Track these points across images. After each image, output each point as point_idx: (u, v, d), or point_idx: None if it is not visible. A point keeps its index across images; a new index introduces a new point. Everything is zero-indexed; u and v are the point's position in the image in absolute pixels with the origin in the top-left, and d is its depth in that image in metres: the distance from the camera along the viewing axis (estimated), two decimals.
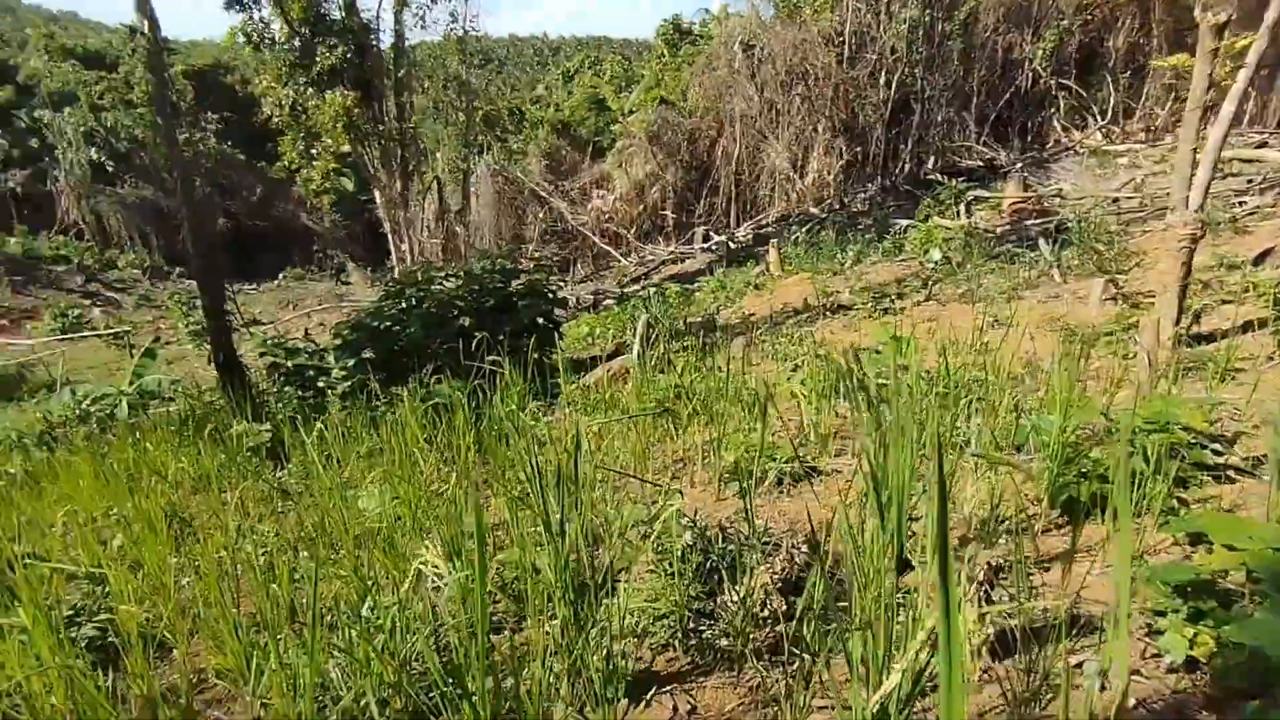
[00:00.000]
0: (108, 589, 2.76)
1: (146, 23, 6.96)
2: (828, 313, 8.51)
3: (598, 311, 14.55)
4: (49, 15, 71.09)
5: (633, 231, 23.42)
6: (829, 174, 19.92)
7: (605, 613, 2.16)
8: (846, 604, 2.10)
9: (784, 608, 2.34)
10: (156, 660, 2.41)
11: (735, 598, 2.34)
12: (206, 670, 2.35)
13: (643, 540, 2.67)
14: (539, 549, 2.34)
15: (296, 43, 17.25)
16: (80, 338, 21.60)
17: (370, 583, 2.36)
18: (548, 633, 2.10)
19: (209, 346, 7.17)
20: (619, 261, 22.03)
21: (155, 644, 2.46)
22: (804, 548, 2.75)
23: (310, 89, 16.57)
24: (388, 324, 6.62)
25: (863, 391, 2.77)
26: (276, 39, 17.51)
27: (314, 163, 18.01)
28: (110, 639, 2.54)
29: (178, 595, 2.69)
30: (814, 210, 19.19)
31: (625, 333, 9.97)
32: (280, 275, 34.85)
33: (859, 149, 20.22)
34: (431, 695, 1.89)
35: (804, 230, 15.83)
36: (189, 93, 37.57)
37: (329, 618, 2.35)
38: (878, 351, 4.93)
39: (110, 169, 35.61)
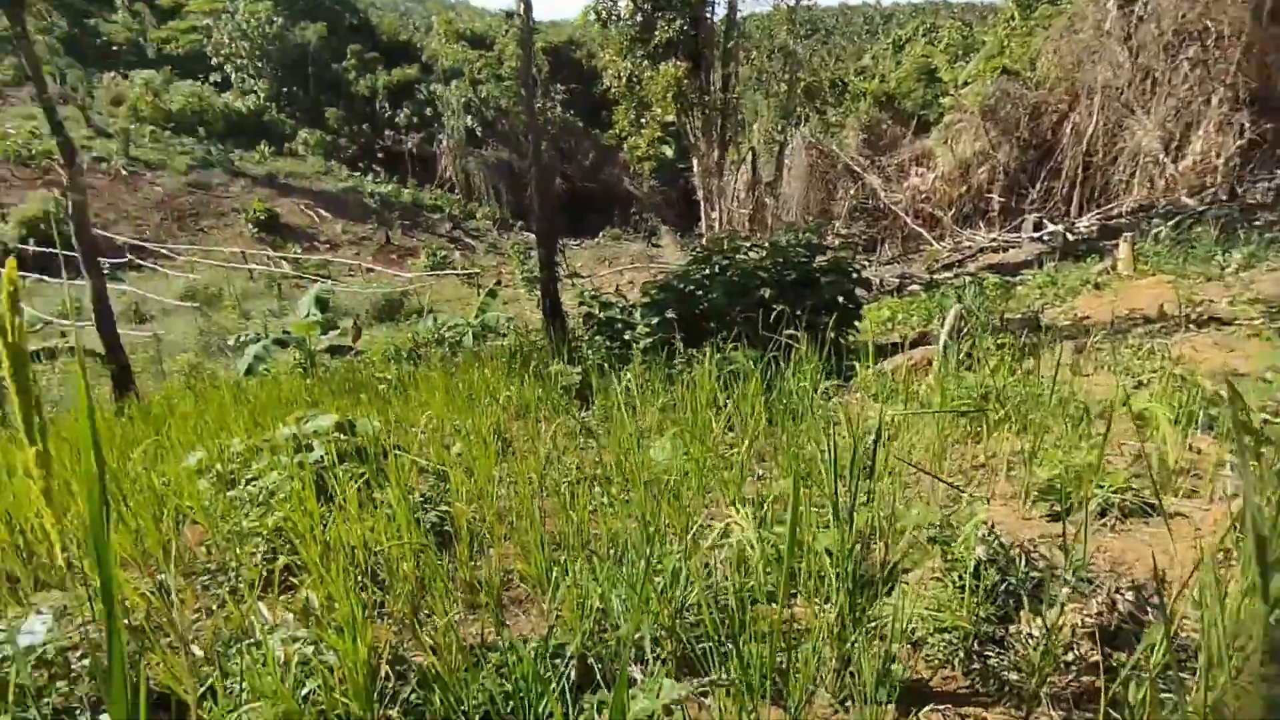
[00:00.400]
0: (448, 486, 3.29)
1: (523, 6, 7.94)
2: (1191, 325, 7.06)
3: (902, 296, 13.73)
4: (448, 4, 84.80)
5: (950, 214, 21.58)
6: (1218, 156, 16.34)
7: (883, 611, 2.05)
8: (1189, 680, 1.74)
9: (1096, 657, 2.02)
10: (476, 553, 2.82)
11: (1036, 630, 2.08)
12: (514, 572, 2.70)
13: (931, 544, 2.47)
14: (820, 530, 2.28)
15: (639, 18, 18.63)
16: (444, 275, 25.89)
17: (653, 529, 2.51)
18: (817, 616, 2.05)
19: (539, 293, 8.12)
20: (930, 245, 20.51)
21: (478, 540, 2.88)
22: (1130, 595, 2.35)
23: (646, 61, 17.85)
24: (692, 288, 6.91)
25: (1242, 427, 2.24)
26: (621, 16, 19.08)
27: (641, 131, 19.38)
28: (446, 527, 3.03)
29: (496, 503, 3.11)
30: (1188, 201, 15.96)
31: (931, 322, 9.28)
32: (600, 234, 38.27)
33: (1269, 126, 16.24)
34: (702, 645, 1.96)
35: (1169, 224, 13.25)
36: (544, 67, 42.48)
37: (615, 552, 2.55)
38: (1266, 380, 3.98)
39: (479, 134, 41.81)
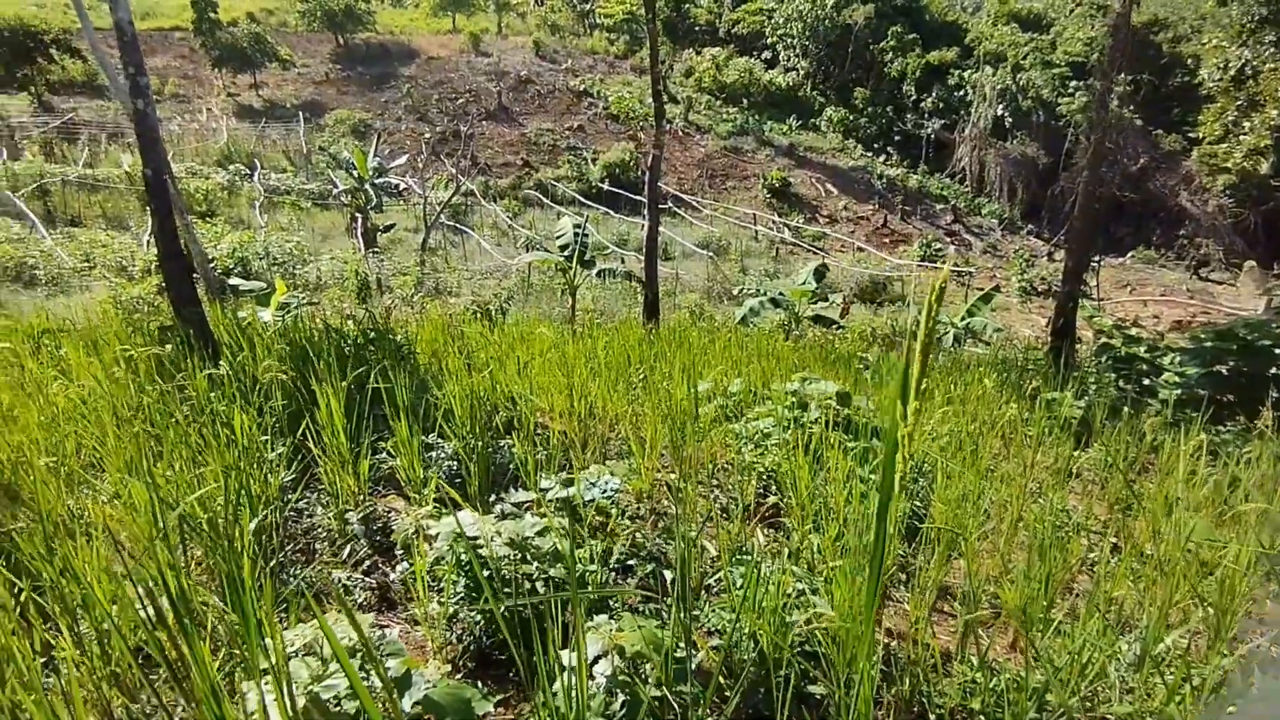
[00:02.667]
0: (932, 486, 3.26)
1: None
2: None
3: None
4: None
5: None
6: None
7: None
8: None
9: None
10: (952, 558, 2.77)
11: None
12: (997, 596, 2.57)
13: None
14: None
15: None
16: (934, 267, 24.94)
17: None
18: None
19: (1052, 311, 7.30)
20: None
21: (957, 550, 2.81)
22: None
23: (1275, 49, 14.01)
24: (1270, 343, 5.46)
25: None
26: None
27: (1240, 138, 15.49)
28: (916, 524, 3.03)
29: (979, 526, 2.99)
30: None
31: None
32: (1129, 254, 32.40)
33: None
34: None
35: None
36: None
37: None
38: None
39: (1008, 124, 38.53)
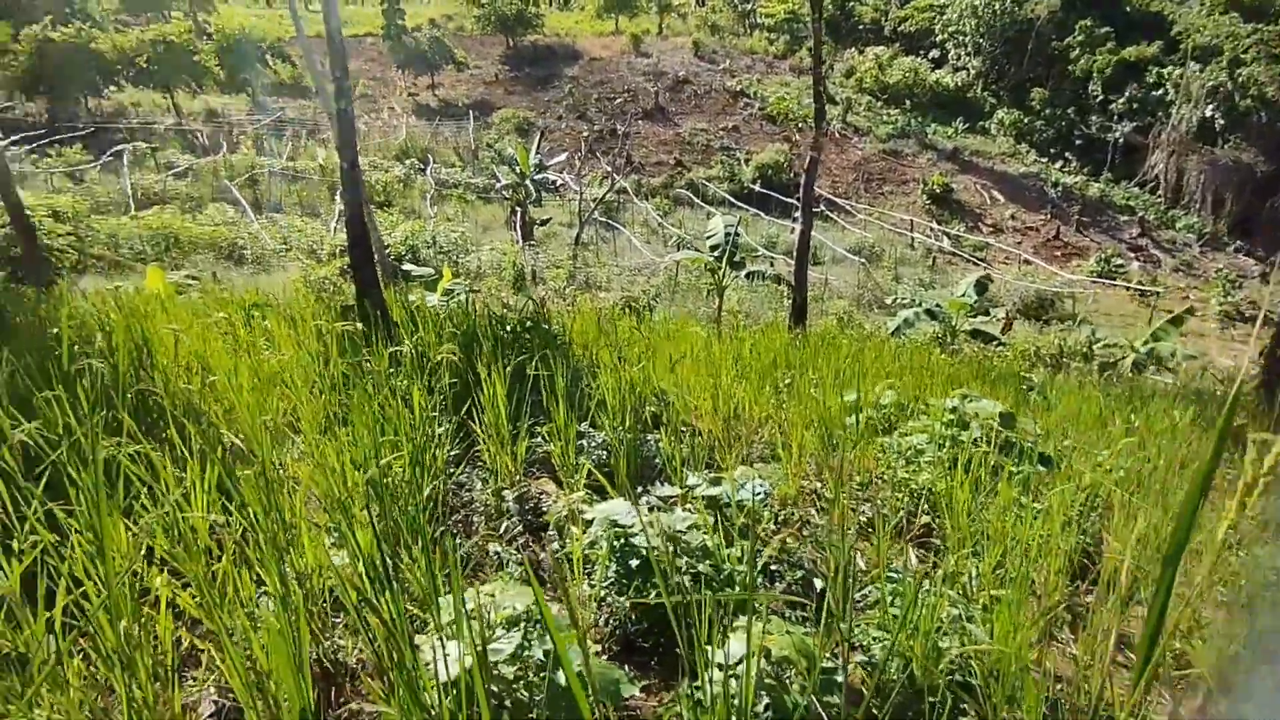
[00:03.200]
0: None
1: None
2: None
3: None
4: None
5: None
6: None
7: None
8: None
9: None
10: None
11: None
12: None
13: None
14: None
15: None
16: (1112, 285, 22.77)
17: None
18: None
19: (1268, 340, 6.46)
20: None
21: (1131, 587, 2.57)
22: None
23: None
24: None
25: None
26: None
27: None
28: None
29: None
30: None
31: None
32: None
33: None
34: None
35: None
36: None
37: None
38: None
39: (1217, 127, 34.36)
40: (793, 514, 3.21)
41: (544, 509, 3.05)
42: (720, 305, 9.46)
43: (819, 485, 3.53)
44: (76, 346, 3.51)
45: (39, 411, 2.51)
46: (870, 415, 4.49)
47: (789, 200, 28.40)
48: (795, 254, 10.44)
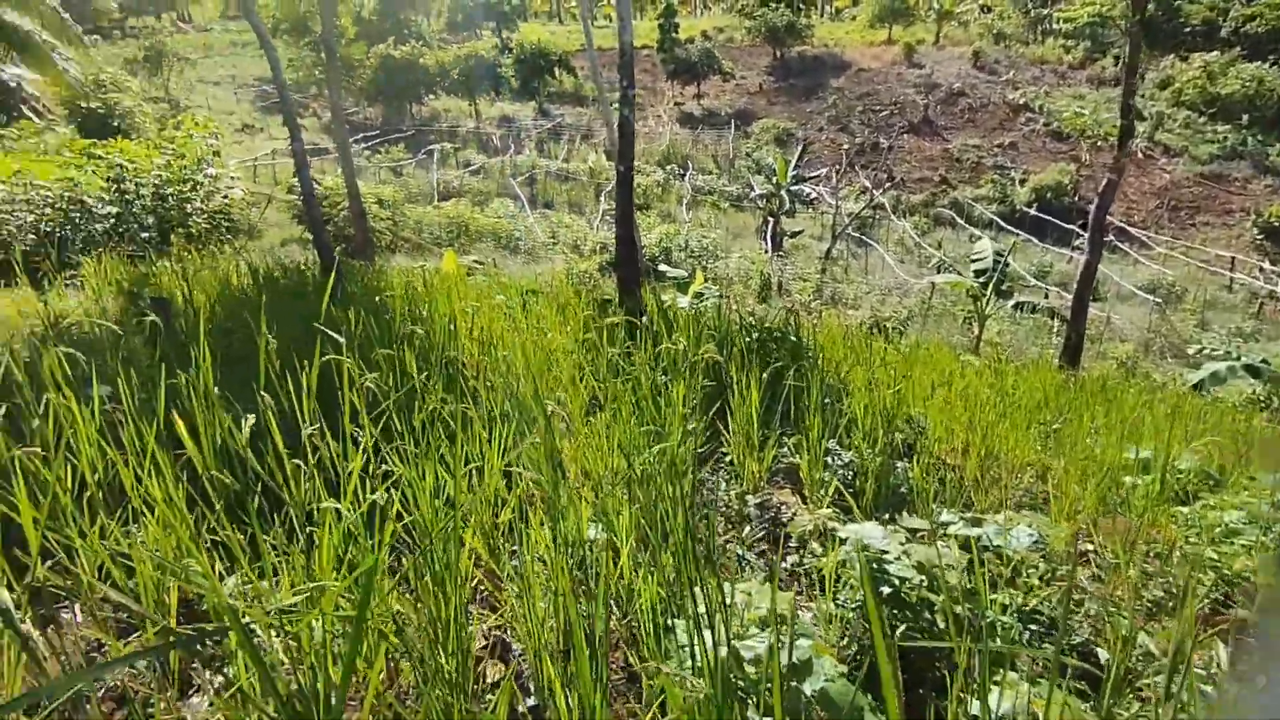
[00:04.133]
0: None
1: None
2: None
3: None
4: None
5: None
6: None
7: None
8: None
9: None
10: None
11: None
12: None
13: None
14: None
15: None
16: None
17: None
18: None
19: None
20: None
21: None
22: None
23: None
24: None
25: None
26: None
27: None
28: None
29: None
30: None
31: None
32: None
33: None
34: None
35: None
36: None
37: None
38: None
39: None
40: (1060, 572, 2.89)
41: (783, 519, 3.05)
42: (980, 335, 8.73)
43: (1091, 547, 3.15)
44: (398, 314, 4.14)
45: (376, 364, 3.02)
46: (1160, 478, 3.90)
47: (1068, 226, 25.35)
48: (1076, 286, 9.32)
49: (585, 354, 4.10)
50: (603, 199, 22.47)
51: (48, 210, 7.97)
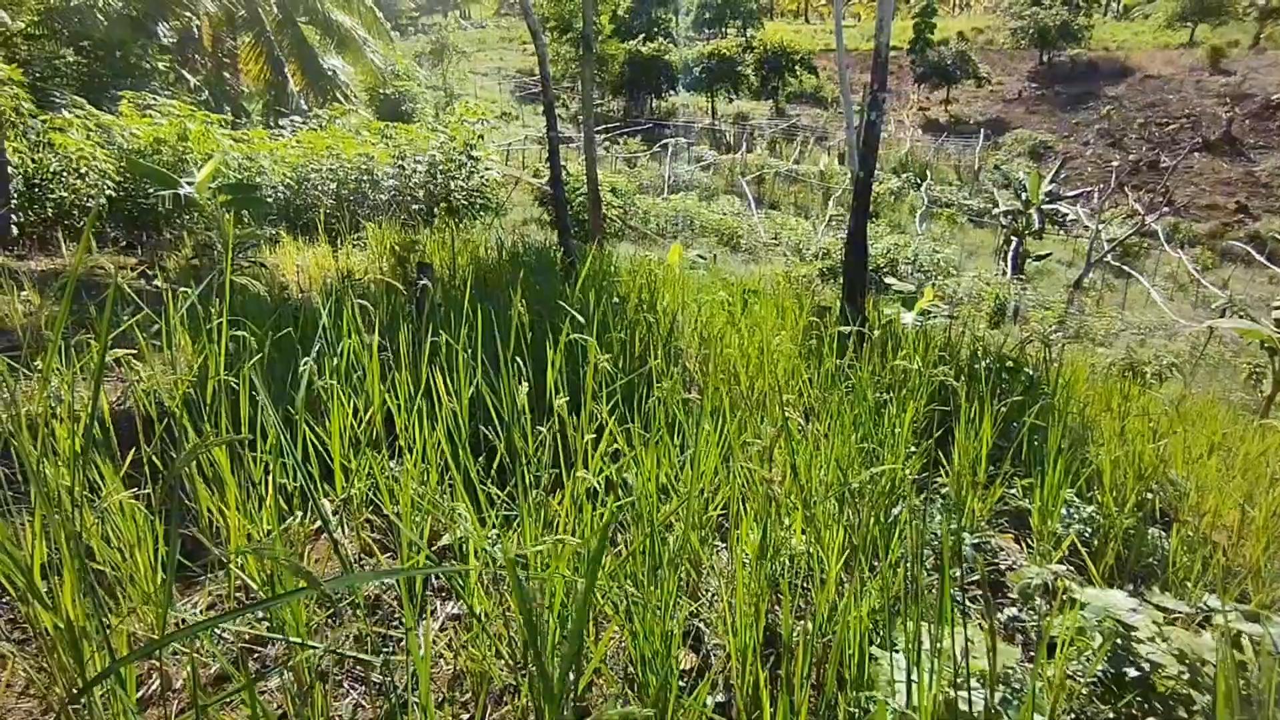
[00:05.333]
0: None
1: None
2: None
3: None
4: None
5: None
6: None
7: None
8: None
9: None
10: None
11: None
12: None
13: None
14: None
15: None
16: None
17: None
18: None
19: None
20: None
21: None
22: None
23: None
24: None
25: None
26: None
27: None
28: None
29: None
30: None
31: None
32: None
33: None
34: None
35: None
36: None
37: None
38: None
39: None
40: None
41: (1000, 564, 2.80)
42: (1273, 397, 7.35)
43: None
44: (627, 301, 4.35)
45: (609, 346, 3.19)
46: None
47: None
48: None
49: (804, 360, 4.03)
50: (831, 204, 21.86)
51: (348, 181, 9.34)
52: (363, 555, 2.08)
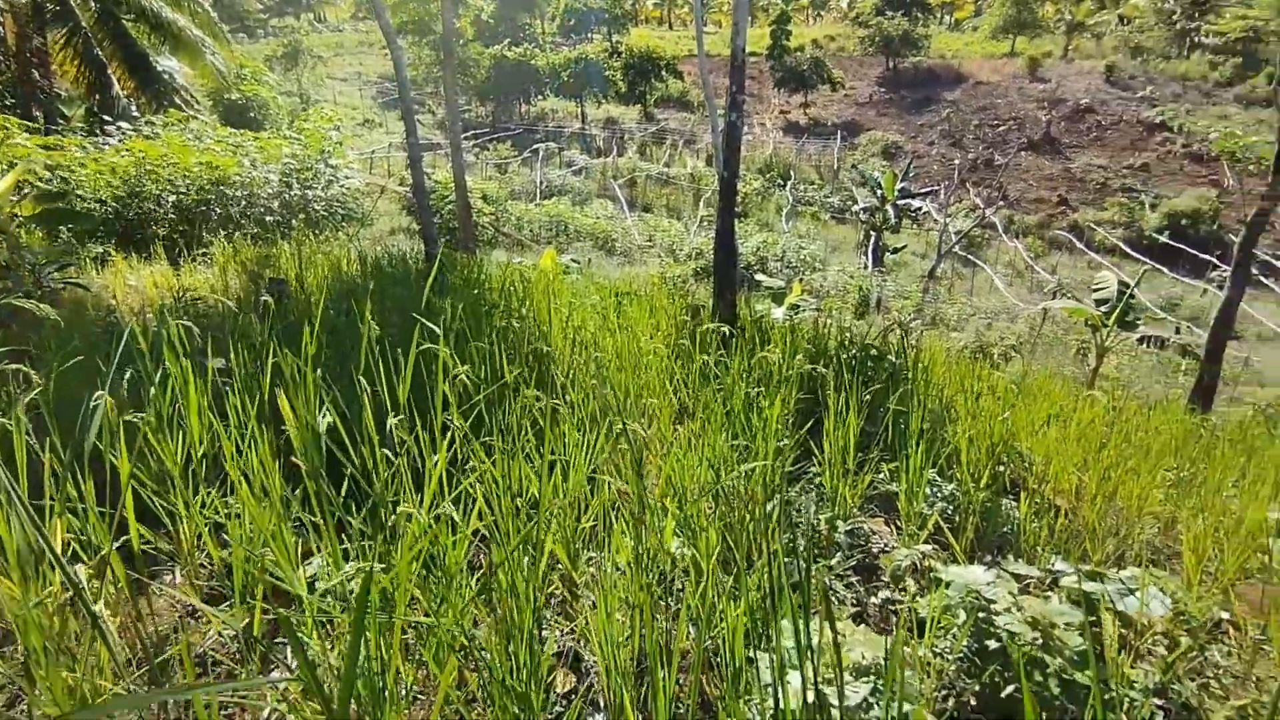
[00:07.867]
0: None
1: None
2: None
3: None
4: None
5: None
6: None
7: None
8: None
9: None
10: None
11: None
12: None
13: None
14: None
15: None
16: None
17: None
18: None
19: None
20: None
21: None
22: None
23: None
24: None
25: None
26: None
27: None
28: None
29: None
30: None
31: None
32: None
33: None
34: None
35: None
36: None
37: None
38: None
39: None
40: (1179, 639, 2.60)
41: (873, 549, 2.88)
42: (1097, 368, 8.12)
43: (1225, 615, 2.82)
44: (496, 308, 4.19)
45: (469, 357, 3.03)
46: None
47: (1205, 257, 23.42)
48: (1213, 322, 8.56)
49: (676, 360, 4.02)
50: (701, 205, 22.39)
51: (190, 193, 8.57)
52: (191, 609, 1.84)
